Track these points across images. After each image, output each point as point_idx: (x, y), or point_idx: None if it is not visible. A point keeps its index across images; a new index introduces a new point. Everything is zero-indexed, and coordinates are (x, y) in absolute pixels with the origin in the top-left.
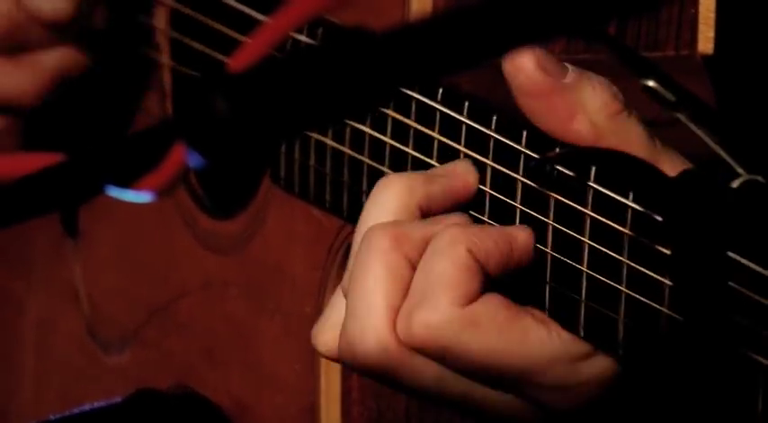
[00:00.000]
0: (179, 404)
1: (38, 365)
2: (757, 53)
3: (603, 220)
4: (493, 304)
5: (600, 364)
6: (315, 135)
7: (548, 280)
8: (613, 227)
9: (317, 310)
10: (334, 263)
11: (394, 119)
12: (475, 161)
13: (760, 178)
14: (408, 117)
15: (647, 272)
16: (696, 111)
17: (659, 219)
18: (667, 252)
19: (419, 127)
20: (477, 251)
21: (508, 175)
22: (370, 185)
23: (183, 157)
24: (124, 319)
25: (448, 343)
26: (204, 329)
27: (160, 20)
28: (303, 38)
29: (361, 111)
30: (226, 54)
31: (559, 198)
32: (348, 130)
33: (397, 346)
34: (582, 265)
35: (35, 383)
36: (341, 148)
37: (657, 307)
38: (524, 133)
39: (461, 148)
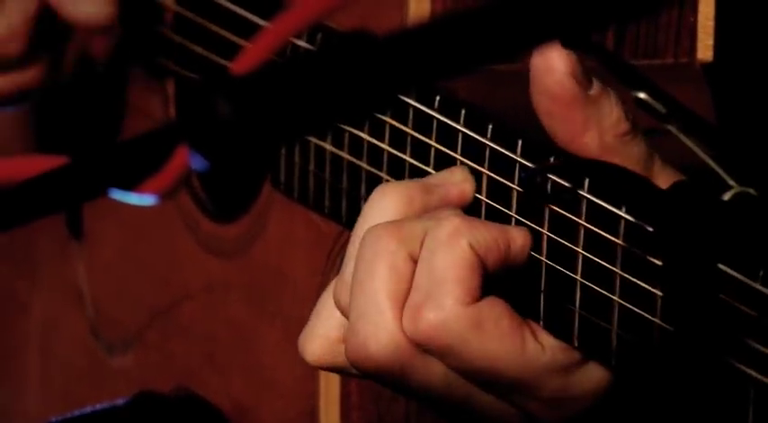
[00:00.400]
0: (180, 407)
1: (42, 366)
2: (756, 61)
3: (597, 230)
4: (498, 310)
5: (593, 375)
6: (314, 140)
7: (542, 289)
8: (607, 237)
9: None
10: (333, 268)
11: (392, 126)
12: (471, 169)
13: (751, 190)
14: (406, 124)
15: (639, 282)
16: (687, 122)
17: (651, 230)
18: (659, 263)
19: (416, 134)
20: (476, 245)
21: (503, 183)
22: (369, 191)
23: (186, 159)
24: (127, 320)
25: (451, 342)
26: (206, 332)
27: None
28: (302, 43)
29: (362, 115)
30: (227, 58)
31: (554, 208)
32: (347, 136)
33: (408, 344)
34: (576, 275)
35: (39, 384)
36: (340, 153)
37: (649, 317)
38: (519, 142)
39: (458, 156)
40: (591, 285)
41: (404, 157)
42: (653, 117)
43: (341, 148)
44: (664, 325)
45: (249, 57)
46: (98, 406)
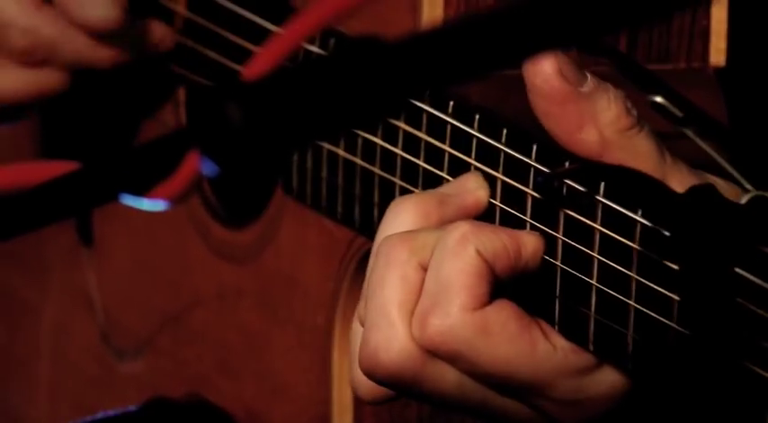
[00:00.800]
0: (192, 413)
1: (52, 372)
2: None
3: (613, 235)
4: (505, 313)
5: (608, 378)
6: (327, 146)
7: (557, 294)
8: (622, 242)
9: (330, 320)
10: (346, 274)
11: (405, 131)
12: (485, 174)
13: (767, 194)
14: (419, 129)
15: (655, 287)
16: (704, 126)
17: (668, 234)
18: (675, 267)
19: (430, 139)
20: (484, 251)
21: (518, 188)
22: (382, 197)
23: (197, 165)
24: (138, 327)
25: (459, 347)
26: (217, 338)
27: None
28: (315, 49)
29: (373, 120)
30: (238, 64)
31: (569, 212)
32: (360, 141)
33: (419, 352)
34: (591, 279)
35: (50, 391)
36: (353, 159)
37: (666, 322)
38: (534, 147)
39: (472, 161)
40: (606, 290)
41: (418, 162)
42: (669, 121)
43: (354, 154)
44: (680, 329)
45: (260, 62)
46: (109, 412)
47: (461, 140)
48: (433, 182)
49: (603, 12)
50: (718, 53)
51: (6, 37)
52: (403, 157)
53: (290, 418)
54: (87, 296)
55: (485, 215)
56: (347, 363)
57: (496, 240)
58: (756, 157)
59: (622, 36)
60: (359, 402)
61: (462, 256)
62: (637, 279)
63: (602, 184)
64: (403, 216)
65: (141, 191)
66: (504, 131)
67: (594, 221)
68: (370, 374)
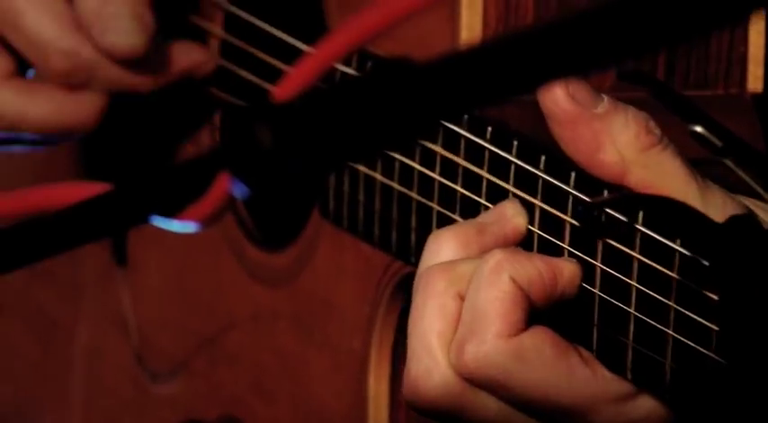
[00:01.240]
0: None
1: (86, 393)
2: None
3: (651, 263)
4: (540, 339)
5: (647, 406)
6: (364, 170)
7: (595, 322)
8: (661, 271)
9: (366, 345)
10: (382, 299)
11: (443, 156)
12: (523, 201)
13: None
14: (457, 155)
15: (694, 316)
16: (744, 156)
17: (707, 264)
18: (715, 297)
19: (468, 165)
20: (519, 278)
21: (557, 215)
22: (419, 222)
23: (228, 187)
24: (173, 349)
25: (495, 374)
26: (253, 361)
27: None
28: (350, 70)
29: (405, 142)
30: (273, 84)
31: (608, 240)
32: (397, 165)
33: (459, 381)
34: (630, 308)
35: (83, 411)
36: (390, 183)
37: (705, 351)
38: (573, 174)
39: (510, 187)
40: (645, 319)
41: (455, 187)
42: (709, 150)
43: (391, 178)
44: (719, 359)
45: (291, 83)
46: None
47: (499, 166)
48: (470, 207)
49: (641, 36)
50: (755, 80)
51: (46, 59)
52: (441, 183)
53: None
54: (121, 317)
55: (523, 242)
56: (383, 387)
57: (531, 267)
58: None
59: (660, 62)
60: None
61: (497, 283)
62: (675, 308)
63: (641, 212)
64: (443, 247)
65: (172, 212)
66: (543, 158)
67: (633, 250)
68: (412, 405)
